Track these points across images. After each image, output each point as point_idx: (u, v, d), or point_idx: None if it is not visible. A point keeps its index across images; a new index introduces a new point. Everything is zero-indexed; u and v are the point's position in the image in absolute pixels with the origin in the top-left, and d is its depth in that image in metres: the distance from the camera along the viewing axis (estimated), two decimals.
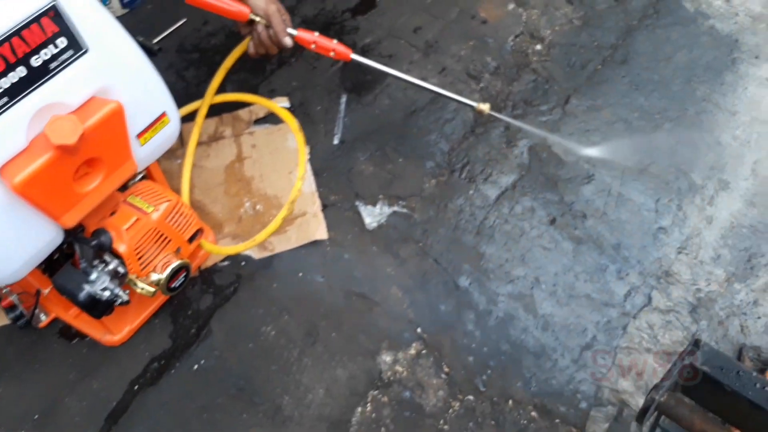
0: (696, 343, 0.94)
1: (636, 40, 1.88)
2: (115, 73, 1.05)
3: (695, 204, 1.60)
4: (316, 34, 1.37)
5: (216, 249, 1.41)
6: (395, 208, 1.58)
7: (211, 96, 1.52)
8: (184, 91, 1.79)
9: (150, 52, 1.89)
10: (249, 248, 1.45)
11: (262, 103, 1.67)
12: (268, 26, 1.32)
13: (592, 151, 1.65)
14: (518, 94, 1.77)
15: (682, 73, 1.82)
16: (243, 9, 1.30)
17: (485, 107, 1.45)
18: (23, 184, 0.92)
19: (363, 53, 1.85)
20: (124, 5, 2.01)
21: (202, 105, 1.53)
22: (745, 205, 1.60)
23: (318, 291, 1.42)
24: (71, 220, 1.05)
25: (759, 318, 1.44)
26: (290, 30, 1.34)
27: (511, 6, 1.94)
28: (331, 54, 1.40)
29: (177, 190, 1.56)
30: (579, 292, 1.47)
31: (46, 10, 0.92)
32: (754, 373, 0.90)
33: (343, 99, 1.76)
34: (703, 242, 1.55)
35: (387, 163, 1.66)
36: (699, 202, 1.60)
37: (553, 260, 1.51)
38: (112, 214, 1.18)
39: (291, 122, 1.60)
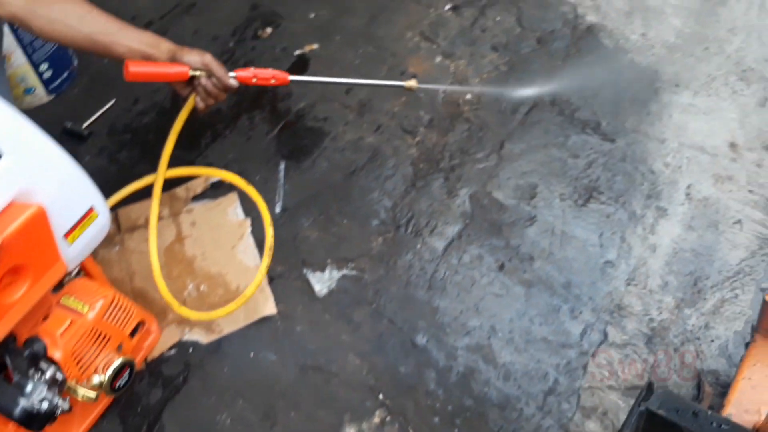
0: (649, 387, 0.94)
1: (562, 80, 1.93)
2: (34, 175, 1.02)
3: (637, 234, 1.63)
4: (252, 69, 1.41)
5: (195, 315, 1.38)
6: (344, 272, 1.56)
7: (165, 165, 1.49)
8: (118, 173, 1.76)
9: (80, 137, 1.88)
10: (230, 311, 1.41)
11: (213, 174, 1.63)
12: (210, 76, 1.33)
13: (528, 92, 1.82)
14: (454, 144, 1.79)
15: (610, 107, 1.88)
16: (182, 69, 1.31)
17: (413, 83, 1.56)
18: None
19: (298, 118, 1.86)
20: (49, 91, 1.98)
21: (156, 179, 1.48)
22: (684, 229, 1.63)
23: (272, 370, 1.38)
24: None
25: (712, 341, 1.46)
26: (230, 74, 1.36)
27: (439, 58, 1.99)
28: (272, 81, 1.44)
29: (117, 279, 1.51)
30: (535, 336, 1.47)
31: None
32: (710, 412, 0.91)
33: (282, 166, 1.75)
34: (650, 271, 1.57)
35: (332, 226, 1.64)
36: (641, 231, 1.63)
37: (507, 306, 1.51)
38: (45, 318, 1.13)
39: (249, 189, 1.55)
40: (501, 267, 1.56)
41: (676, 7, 2.11)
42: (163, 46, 1.30)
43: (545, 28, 2.08)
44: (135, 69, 1.26)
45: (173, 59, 1.30)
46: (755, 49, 1.99)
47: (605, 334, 1.47)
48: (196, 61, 1.31)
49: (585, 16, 2.12)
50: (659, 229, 1.64)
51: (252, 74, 1.40)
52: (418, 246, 1.60)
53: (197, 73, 1.32)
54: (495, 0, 2.15)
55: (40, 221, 1.00)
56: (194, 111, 1.42)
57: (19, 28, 1.74)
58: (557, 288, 1.53)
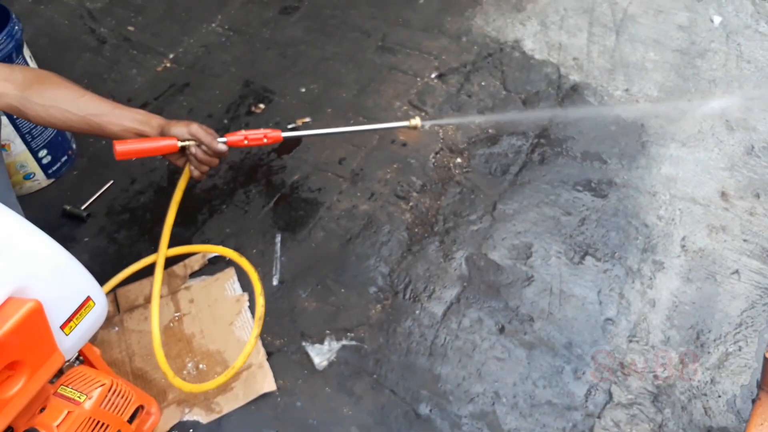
0: None
1: (550, 139, 1.97)
2: (29, 271, 1.03)
3: (636, 289, 1.62)
4: (242, 131, 1.41)
5: (188, 387, 1.37)
6: (344, 342, 1.56)
7: (166, 243, 1.50)
8: (116, 253, 1.78)
9: (80, 218, 1.91)
10: (220, 383, 1.39)
11: (212, 251, 1.64)
12: (199, 144, 1.35)
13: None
14: (447, 207, 1.81)
15: (599, 163, 1.91)
16: (170, 142, 1.33)
17: (416, 121, 1.50)
18: None
19: (292, 190, 1.90)
20: (48, 176, 2.02)
21: (158, 257, 1.49)
22: (682, 282, 1.63)
23: None
24: None
25: (719, 396, 1.43)
26: (220, 139, 1.38)
27: (428, 125, 2.03)
28: (264, 141, 1.42)
29: (117, 360, 1.51)
30: (540, 400, 1.45)
31: None
32: None
33: (278, 238, 1.77)
34: (651, 326, 1.56)
35: (329, 296, 1.65)
36: (639, 286, 1.63)
37: (509, 370, 1.49)
38: (42, 410, 1.12)
39: (243, 262, 1.56)
40: (501, 329, 1.55)
41: (656, 62, 2.18)
42: (153, 122, 1.35)
43: (530, 90, 2.14)
44: (122, 148, 1.30)
45: (162, 133, 1.34)
46: (737, 99, 2.03)
47: (610, 394, 1.45)
48: (182, 132, 1.34)
49: (568, 76, 2.18)
50: (657, 283, 1.64)
51: (243, 136, 1.41)
52: (417, 312, 1.60)
53: (186, 143, 1.34)
54: (479, 66, 2.21)
55: (37, 316, 1.00)
56: (192, 180, 1.44)
57: (17, 118, 1.79)
58: (559, 348, 1.52)
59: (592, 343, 1.53)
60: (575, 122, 2.03)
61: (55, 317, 1.07)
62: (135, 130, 1.33)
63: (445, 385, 1.47)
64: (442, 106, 2.08)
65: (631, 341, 1.53)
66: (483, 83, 2.15)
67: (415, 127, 1.51)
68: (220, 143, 1.37)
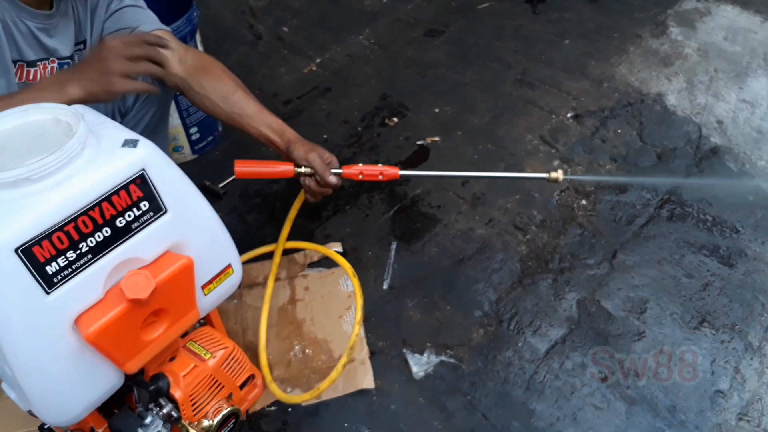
0: None
1: (682, 198, 1.92)
2: (189, 230, 1.13)
3: (753, 367, 1.55)
4: (359, 166, 1.43)
5: (286, 397, 1.44)
6: (443, 358, 1.58)
7: (282, 245, 1.66)
8: (244, 234, 1.90)
9: (216, 195, 2.06)
10: (314, 396, 1.45)
11: (322, 251, 1.74)
12: (312, 174, 1.40)
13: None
14: (565, 247, 1.80)
15: (730, 232, 1.83)
16: (287, 168, 1.40)
17: (558, 175, 1.41)
18: (96, 334, 0.98)
19: (413, 203, 1.95)
20: (194, 151, 2.19)
21: (276, 254, 1.66)
22: None
23: None
24: (135, 367, 1.09)
25: None
26: (335, 171, 1.41)
27: (556, 162, 2.04)
28: (380, 177, 1.43)
29: (231, 330, 1.61)
30: None
31: (135, 178, 1.01)
32: None
33: (393, 246, 1.83)
34: (765, 408, 1.48)
35: (435, 311, 1.68)
36: (757, 365, 1.55)
37: (606, 421, 1.46)
38: (172, 359, 1.23)
39: (347, 268, 1.65)
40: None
41: None
42: (285, 136, 1.43)
43: (667, 145, 2.10)
44: (241, 169, 1.41)
45: (288, 150, 1.41)
46: None
47: None
48: (300, 157, 1.39)
49: (710, 137, 2.12)
50: None
51: (358, 171, 1.42)
52: (520, 344, 1.60)
53: (302, 170, 1.39)
54: (618, 113, 2.19)
55: (187, 272, 1.10)
56: (306, 201, 1.52)
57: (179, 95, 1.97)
58: (661, 410, 1.47)
59: (698, 412, 1.47)
60: (711, 186, 1.97)
61: (200, 277, 1.17)
62: (268, 137, 1.43)
63: (539, 422, 1.46)
64: (575, 146, 2.08)
65: (741, 419, 1.46)
66: (619, 130, 2.13)
67: (555, 181, 1.42)
68: (334, 175, 1.40)
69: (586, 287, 1.70)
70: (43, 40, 1.32)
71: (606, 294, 1.68)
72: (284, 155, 1.44)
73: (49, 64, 1.36)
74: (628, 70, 2.37)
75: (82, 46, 1.42)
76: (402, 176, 1.45)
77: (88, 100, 1.19)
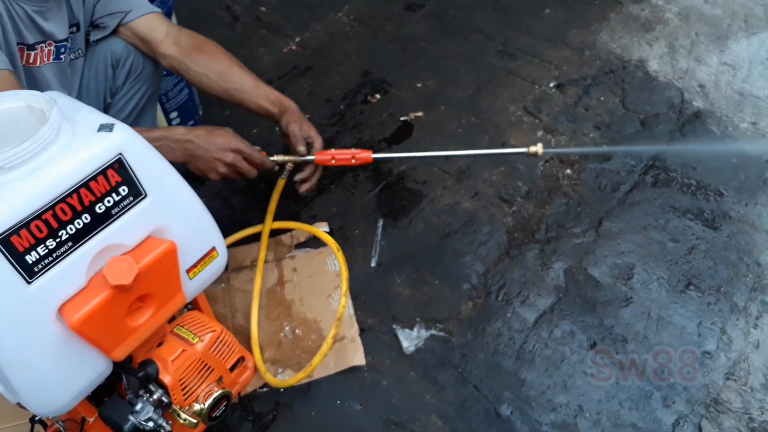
0: None
1: (665, 164, 1.93)
2: (170, 214, 1.12)
3: (739, 327, 1.56)
4: (332, 150, 1.51)
5: (279, 382, 1.44)
6: (433, 332, 1.59)
7: (269, 225, 1.66)
8: (230, 217, 1.89)
9: (198, 179, 2.03)
10: (307, 375, 1.45)
11: (307, 230, 1.73)
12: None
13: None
14: (551, 216, 1.81)
15: (714, 195, 1.84)
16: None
17: (538, 148, 1.39)
18: (81, 322, 0.97)
19: (398, 180, 1.94)
20: None
21: (263, 235, 1.67)
22: None
23: (356, 419, 1.41)
24: (122, 354, 1.09)
25: None
26: (308, 157, 1.51)
27: (540, 133, 2.03)
28: (353, 161, 1.51)
29: (220, 315, 1.61)
30: (624, 421, 1.42)
31: (112, 163, 1.00)
32: None
33: (380, 223, 1.82)
34: (752, 368, 1.50)
35: (423, 286, 1.68)
36: (743, 325, 1.57)
37: (596, 387, 1.48)
38: (159, 344, 1.22)
39: (331, 243, 1.64)
40: (593, 345, 1.54)
41: None
42: (283, 106, 1.52)
43: (650, 111, 2.10)
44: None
45: (281, 120, 1.51)
46: None
47: (699, 429, 1.40)
48: (282, 127, 1.52)
49: (692, 102, 2.12)
50: (763, 324, 1.57)
51: (330, 156, 1.50)
52: (509, 315, 1.61)
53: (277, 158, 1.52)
54: (600, 80, 2.19)
55: (171, 256, 1.10)
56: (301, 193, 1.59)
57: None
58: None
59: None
60: (694, 150, 1.97)
61: (184, 261, 1.16)
62: (266, 109, 1.51)
63: (529, 391, 1.47)
64: (558, 115, 2.08)
65: (728, 379, 1.48)
66: (602, 98, 2.12)
67: (535, 155, 1.41)
68: (305, 149, 1.50)
69: (572, 256, 1.71)
70: (40, 23, 1.31)
71: (593, 262, 1.69)
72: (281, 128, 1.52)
73: (46, 47, 1.35)
74: (609, 37, 2.35)
75: (74, 29, 1.41)
76: (375, 159, 1.52)
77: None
